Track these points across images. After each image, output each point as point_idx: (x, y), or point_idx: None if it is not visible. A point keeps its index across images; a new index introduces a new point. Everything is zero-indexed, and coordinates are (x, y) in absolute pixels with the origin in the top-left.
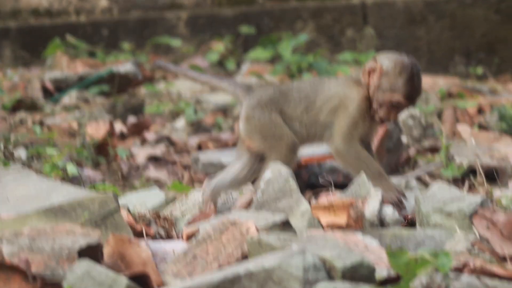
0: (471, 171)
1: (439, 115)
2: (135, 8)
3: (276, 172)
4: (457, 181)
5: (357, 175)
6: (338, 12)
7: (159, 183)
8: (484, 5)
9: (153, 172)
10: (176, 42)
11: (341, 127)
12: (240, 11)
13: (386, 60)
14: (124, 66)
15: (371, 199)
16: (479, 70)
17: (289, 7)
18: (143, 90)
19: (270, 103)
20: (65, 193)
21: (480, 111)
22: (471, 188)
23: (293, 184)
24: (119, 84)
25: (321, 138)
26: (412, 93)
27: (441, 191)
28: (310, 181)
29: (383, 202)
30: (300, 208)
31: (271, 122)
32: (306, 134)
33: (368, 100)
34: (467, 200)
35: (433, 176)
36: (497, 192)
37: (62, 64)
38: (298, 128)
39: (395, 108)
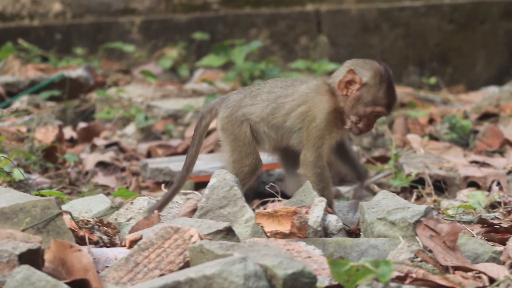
0: (420, 180)
1: (390, 125)
2: (88, 12)
3: (221, 179)
4: (406, 191)
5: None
6: (292, 20)
7: (107, 190)
8: (438, 14)
9: (101, 178)
10: (129, 48)
11: (310, 139)
12: (194, 17)
13: (364, 71)
14: (76, 71)
15: (315, 207)
16: (432, 80)
17: (243, 13)
18: (94, 96)
19: (238, 110)
20: (8, 198)
21: (431, 121)
22: (419, 198)
23: (238, 191)
24: (70, 89)
25: (288, 142)
26: (393, 102)
27: (386, 200)
28: (259, 189)
29: (327, 210)
30: (244, 216)
31: (241, 137)
32: (274, 137)
33: (337, 112)
34: (411, 209)
35: (381, 185)
36: (445, 202)
37: (14, 68)
38: (266, 130)
39: (375, 119)
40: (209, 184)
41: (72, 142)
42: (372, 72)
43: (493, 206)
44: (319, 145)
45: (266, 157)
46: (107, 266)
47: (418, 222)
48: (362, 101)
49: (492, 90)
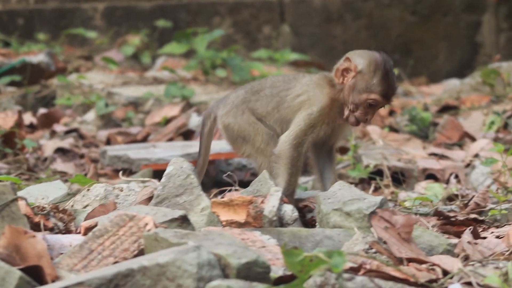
0: (379, 172)
1: None
2: None
3: (178, 167)
4: (364, 182)
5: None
6: (256, 9)
7: (65, 176)
8: (401, 6)
9: (60, 164)
10: (91, 34)
11: (299, 124)
12: (157, 5)
13: (360, 59)
14: (37, 56)
15: (271, 197)
16: (394, 71)
17: (207, 1)
18: (55, 82)
19: (242, 104)
20: None
21: (391, 112)
22: (377, 189)
23: (194, 180)
24: (31, 75)
25: None
26: (388, 91)
27: (342, 191)
28: (218, 178)
29: (283, 200)
30: (200, 205)
31: (246, 122)
32: (278, 131)
33: (335, 103)
34: (366, 200)
35: (340, 176)
36: (402, 194)
37: None
38: (271, 124)
39: (372, 108)
40: (165, 172)
41: (32, 128)
42: (367, 60)
43: (450, 198)
44: (306, 132)
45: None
46: (61, 253)
47: (373, 213)
48: (357, 88)
49: (453, 83)
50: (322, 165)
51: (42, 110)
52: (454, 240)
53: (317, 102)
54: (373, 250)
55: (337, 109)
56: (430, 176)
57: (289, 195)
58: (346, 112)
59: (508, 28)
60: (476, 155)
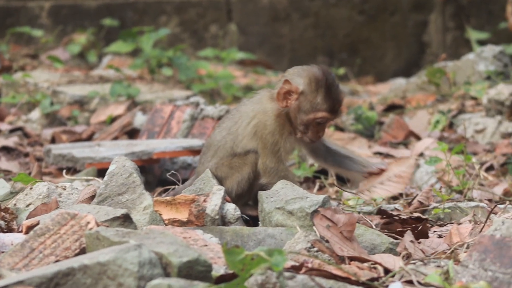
0: (324, 171)
1: None
2: None
3: (121, 166)
4: (309, 181)
5: None
6: (203, 8)
7: (9, 175)
8: (348, 5)
9: (4, 163)
10: (37, 33)
11: (266, 146)
12: (103, 3)
13: (299, 79)
14: None
15: (213, 196)
16: (341, 70)
17: (153, 0)
18: (0, 80)
19: (206, 162)
20: None
21: None
22: (322, 188)
23: (136, 178)
24: None
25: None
26: (335, 105)
27: (284, 189)
28: (162, 176)
29: (225, 199)
30: (143, 203)
31: (226, 164)
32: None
33: (286, 116)
34: (309, 199)
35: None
36: (346, 193)
37: None
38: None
39: (322, 125)
40: (108, 171)
41: None
42: (307, 79)
43: (394, 197)
44: (276, 150)
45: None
46: (3, 252)
47: (315, 212)
48: (302, 109)
49: (399, 82)
50: (334, 162)
51: None
52: (397, 239)
53: (268, 117)
54: (315, 249)
55: (290, 121)
56: None
57: None
58: (299, 134)
59: (455, 28)
60: (421, 154)
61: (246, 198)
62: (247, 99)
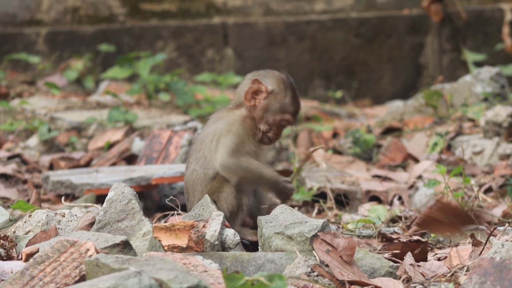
0: (323, 195)
1: (294, 139)
2: None
3: (120, 192)
4: (308, 205)
5: (256, 187)
6: (199, 32)
7: (8, 202)
8: (344, 28)
9: (2, 190)
10: (34, 59)
11: (225, 144)
12: (100, 29)
13: (268, 79)
14: None
15: (212, 221)
16: (338, 93)
17: (150, 25)
18: None
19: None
20: None
21: (335, 135)
22: (321, 212)
23: (136, 205)
24: None
25: None
26: (298, 110)
27: (283, 214)
28: (161, 202)
29: (225, 225)
30: (142, 230)
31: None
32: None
33: (251, 120)
34: (308, 223)
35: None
36: (346, 217)
37: None
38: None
39: (282, 128)
40: (107, 198)
41: None
42: (276, 80)
43: (394, 220)
44: (237, 147)
45: (167, 170)
46: (2, 280)
47: (315, 236)
48: (270, 108)
49: (397, 105)
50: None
51: None
52: (397, 263)
53: (233, 122)
54: (315, 273)
55: (254, 126)
56: (374, 198)
57: (279, 185)
58: (259, 134)
59: (451, 50)
60: (420, 177)
61: (240, 214)
62: (201, 127)
